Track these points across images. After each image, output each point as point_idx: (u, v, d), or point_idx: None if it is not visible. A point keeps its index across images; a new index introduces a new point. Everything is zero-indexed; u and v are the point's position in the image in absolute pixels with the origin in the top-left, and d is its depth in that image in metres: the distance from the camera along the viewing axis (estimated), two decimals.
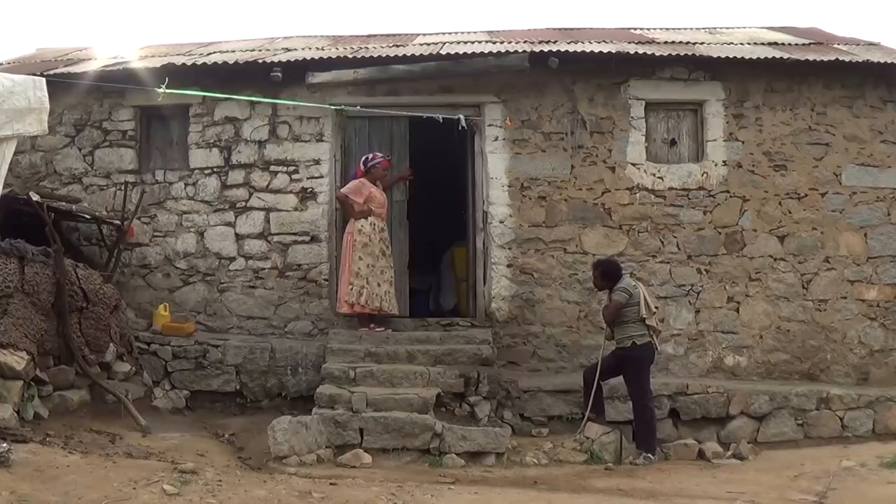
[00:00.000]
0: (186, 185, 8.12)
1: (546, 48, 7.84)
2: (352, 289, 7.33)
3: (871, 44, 9.02)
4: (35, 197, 6.60)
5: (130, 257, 8.05)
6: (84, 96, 8.10)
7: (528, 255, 7.82)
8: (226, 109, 8.06)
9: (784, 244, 7.83)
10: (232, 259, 8.00)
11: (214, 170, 8.08)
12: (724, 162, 7.89)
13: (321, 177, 7.97)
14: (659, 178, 7.88)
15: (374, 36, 9.88)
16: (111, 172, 8.19)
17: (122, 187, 7.87)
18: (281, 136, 8.05)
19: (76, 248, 7.93)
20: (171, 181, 8.15)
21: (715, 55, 7.90)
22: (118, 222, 7.65)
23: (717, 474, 5.98)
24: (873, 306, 7.79)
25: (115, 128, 8.22)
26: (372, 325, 7.47)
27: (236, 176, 8.05)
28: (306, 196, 7.98)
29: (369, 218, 7.44)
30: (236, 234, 8.01)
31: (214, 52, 8.62)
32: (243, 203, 8.03)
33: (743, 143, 7.91)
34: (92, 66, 8.26)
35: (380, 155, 7.66)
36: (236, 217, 8.03)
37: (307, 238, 7.94)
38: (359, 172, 7.62)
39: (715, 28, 10.18)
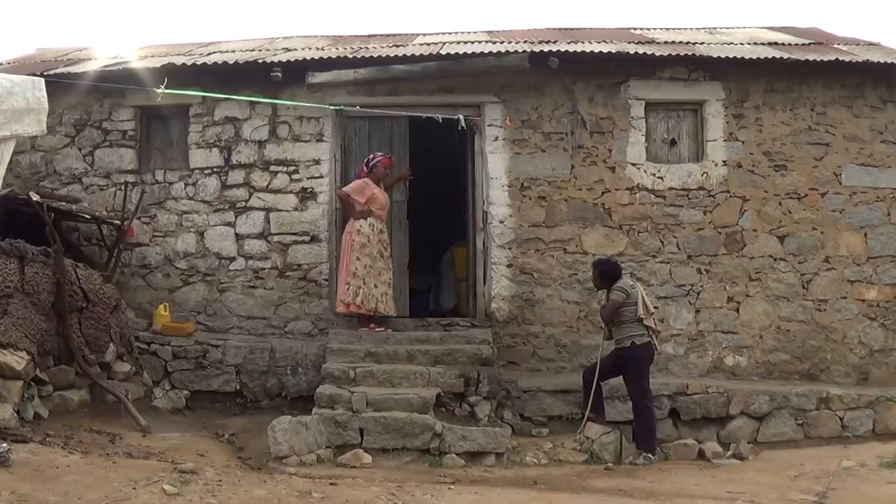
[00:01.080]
0: (186, 185, 8.12)
1: (546, 48, 7.84)
2: (348, 288, 7.33)
3: (871, 44, 9.02)
4: (35, 197, 6.59)
5: (130, 257, 8.05)
6: (84, 96, 8.10)
7: (528, 255, 7.82)
8: (226, 109, 8.06)
9: (784, 244, 7.83)
10: (232, 259, 8.00)
11: (214, 170, 8.09)
12: (724, 162, 7.89)
13: (321, 177, 7.97)
14: (659, 178, 7.88)
15: (374, 36, 9.88)
16: (111, 172, 8.19)
17: (122, 187, 7.87)
18: (281, 136, 8.05)
19: (76, 248, 7.93)
20: (171, 181, 8.15)
21: (715, 55, 7.91)
22: (118, 222, 7.65)
23: (717, 474, 5.97)
24: (873, 306, 7.79)
25: (115, 128, 8.22)
26: (372, 325, 7.47)
27: (236, 176, 8.05)
28: (306, 196, 7.98)
29: (368, 219, 7.44)
30: (236, 234, 8.02)
31: (214, 52, 8.63)
32: (243, 203, 8.03)
33: (743, 143, 7.91)
34: (92, 66, 8.26)
35: (380, 154, 7.67)
36: (236, 217, 8.03)
37: (307, 238, 7.94)
38: (362, 173, 7.62)
39: (715, 28, 10.19)
